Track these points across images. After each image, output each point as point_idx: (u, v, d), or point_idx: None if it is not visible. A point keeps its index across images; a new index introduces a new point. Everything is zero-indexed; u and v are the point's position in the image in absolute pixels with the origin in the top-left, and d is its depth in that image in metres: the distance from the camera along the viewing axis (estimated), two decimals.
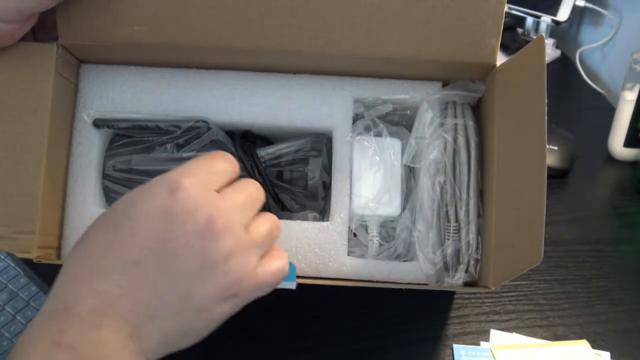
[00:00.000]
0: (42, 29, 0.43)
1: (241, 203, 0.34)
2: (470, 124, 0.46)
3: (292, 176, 0.47)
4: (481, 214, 0.45)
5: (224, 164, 0.35)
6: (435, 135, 0.46)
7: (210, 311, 0.33)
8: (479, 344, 0.50)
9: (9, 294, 1.14)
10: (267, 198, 0.47)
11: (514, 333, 0.51)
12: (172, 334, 0.32)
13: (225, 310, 0.33)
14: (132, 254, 0.31)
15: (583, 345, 0.50)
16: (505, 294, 0.55)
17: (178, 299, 0.31)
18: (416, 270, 0.45)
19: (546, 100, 0.36)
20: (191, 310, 0.32)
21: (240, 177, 0.37)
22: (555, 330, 0.52)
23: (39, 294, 1.15)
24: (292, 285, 0.40)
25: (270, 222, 0.36)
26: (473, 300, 0.54)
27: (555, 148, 0.70)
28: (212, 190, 0.33)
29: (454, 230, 0.44)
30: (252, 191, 0.36)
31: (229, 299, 0.33)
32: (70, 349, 0.28)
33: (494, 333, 0.51)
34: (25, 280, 1.16)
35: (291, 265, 0.41)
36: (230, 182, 0.36)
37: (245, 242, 0.33)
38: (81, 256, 0.32)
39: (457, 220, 0.44)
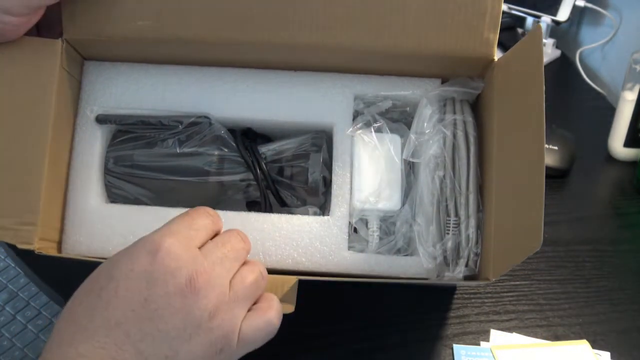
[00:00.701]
0: (46, 25, 0.44)
1: (223, 257, 0.34)
2: (469, 119, 0.46)
3: (292, 172, 0.47)
4: (481, 208, 0.45)
5: (205, 219, 0.36)
6: (434, 131, 0.46)
7: None
8: (479, 344, 0.50)
9: (9, 294, 1.14)
10: (267, 195, 0.47)
11: (514, 333, 0.51)
12: None
13: None
14: (115, 315, 0.31)
15: (583, 345, 0.50)
16: (505, 294, 0.55)
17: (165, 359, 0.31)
18: (416, 265, 0.45)
19: (544, 88, 0.36)
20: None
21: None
22: (555, 330, 0.52)
23: (39, 294, 1.15)
24: (289, 310, 0.40)
25: (256, 272, 0.36)
26: (473, 300, 0.54)
27: (555, 148, 0.70)
28: (193, 248, 0.34)
29: (453, 224, 0.44)
30: (235, 243, 0.36)
31: (215, 357, 0.33)
32: None
33: (494, 333, 0.51)
34: (25, 280, 1.16)
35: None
36: (213, 236, 0.36)
37: (229, 297, 0.33)
38: (67, 319, 0.32)
39: (456, 214, 0.44)
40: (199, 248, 0.34)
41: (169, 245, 0.32)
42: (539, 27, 0.37)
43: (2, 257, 1.26)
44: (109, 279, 0.32)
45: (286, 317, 0.42)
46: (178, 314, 0.32)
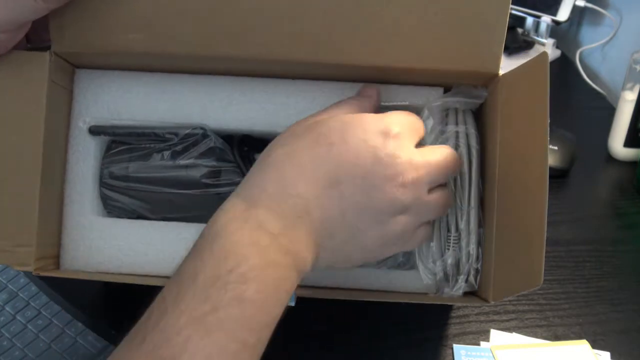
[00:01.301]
0: (34, 31, 0.43)
1: (434, 165, 0.37)
2: (472, 131, 0.45)
3: None
4: (482, 223, 0.44)
5: (420, 122, 0.40)
6: (436, 144, 0.45)
7: (370, 252, 0.37)
8: (479, 344, 0.50)
9: (9, 294, 1.14)
10: None
11: (514, 333, 0.51)
12: (336, 256, 0.36)
13: (379, 256, 0.39)
14: (338, 174, 0.34)
15: (583, 345, 0.50)
16: None
17: (355, 231, 0.35)
18: (416, 279, 0.45)
19: (548, 116, 0.36)
20: (358, 245, 0.36)
21: None
22: (555, 330, 0.52)
23: (39, 294, 1.15)
24: (291, 302, 0.40)
25: (446, 196, 0.40)
26: None
27: (555, 148, 0.70)
28: (412, 145, 0.37)
29: (454, 240, 0.44)
30: (448, 158, 0.39)
31: (385, 248, 0.38)
32: (271, 237, 0.32)
33: (494, 333, 0.51)
34: (25, 280, 1.16)
35: None
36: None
37: (422, 203, 0.37)
38: (291, 158, 0.35)
39: (457, 230, 0.44)
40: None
41: (398, 133, 0.36)
42: (545, 54, 0.36)
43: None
44: (342, 139, 0.35)
45: (286, 317, 0.42)
46: (384, 198, 0.35)
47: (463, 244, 0.44)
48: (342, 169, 0.34)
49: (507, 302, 0.54)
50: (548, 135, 0.35)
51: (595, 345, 0.50)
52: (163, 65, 0.46)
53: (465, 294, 0.44)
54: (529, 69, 0.39)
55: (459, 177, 0.44)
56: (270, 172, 0.35)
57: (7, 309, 0.96)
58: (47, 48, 0.42)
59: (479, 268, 0.44)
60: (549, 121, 0.35)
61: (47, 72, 0.42)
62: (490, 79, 0.44)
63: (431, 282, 0.44)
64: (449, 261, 0.44)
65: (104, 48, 0.42)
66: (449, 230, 0.44)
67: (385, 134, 0.35)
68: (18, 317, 1.05)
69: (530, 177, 0.38)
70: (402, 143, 0.36)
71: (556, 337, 0.51)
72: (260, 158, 0.36)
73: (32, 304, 1.11)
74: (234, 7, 0.40)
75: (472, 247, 0.43)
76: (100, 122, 0.47)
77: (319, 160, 0.34)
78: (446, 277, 0.44)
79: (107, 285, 0.54)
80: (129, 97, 0.47)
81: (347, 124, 0.36)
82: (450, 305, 0.53)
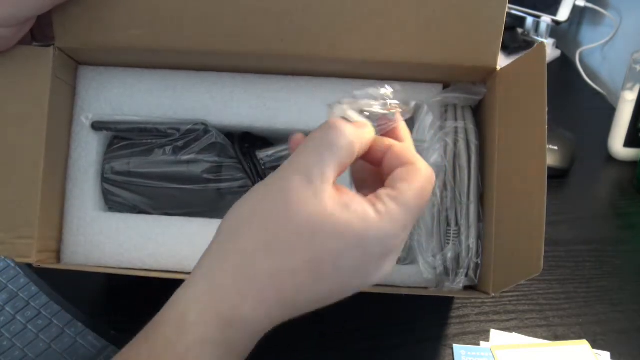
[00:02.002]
0: (39, 27, 0.43)
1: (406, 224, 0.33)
2: (471, 127, 0.45)
3: None
4: (481, 218, 0.44)
5: (432, 178, 0.34)
6: (435, 139, 0.45)
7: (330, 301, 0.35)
8: (479, 344, 0.50)
9: (9, 294, 1.14)
10: None
11: (514, 333, 0.51)
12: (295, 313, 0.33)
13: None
14: (319, 298, 0.33)
15: (583, 345, 0.50)
16: (505, 294, 0.55)
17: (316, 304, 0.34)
18: (416, 274, 0.45)
19: (546, 109, 0.36)
20: (315, 306, 0.34)
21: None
22: (555, 330, 0.52)
23: (39, 294, 1.15)
24: None
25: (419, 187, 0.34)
26: (473, 301, 0.54)
27: (555, 148, 0.70)
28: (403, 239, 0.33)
29: (454, 234, 0.44)
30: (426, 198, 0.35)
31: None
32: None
33: (494, 333, 0.51)
34: (25, 280, 1.16)
35: None
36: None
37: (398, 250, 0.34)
38: (275, 280, 0.31)
39: (457, 224, 0.44)
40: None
41: (398, 246, 0.33)
42: (543, 45, 0.37)
43: (2, 257, 1.25)
44: (334, 269, 0.31)
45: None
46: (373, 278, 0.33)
47: (463, 238, 0.44)
48: (326, 293, 0.32)
49: (507, 302, 0.54)
50: (546, 127, 0.36)
51: (595, 345, 0.50)
52: (165, 61, 0.46)
53: (466, 288, 0.45)
54: (526, 61, 0.40)
55: (458, 172, 0.44)
56: (250, 289, 0.30)
57: (7, 309, 0.96)
58: (52, 45, 0.43)
59: (479, 262, 0.44)
60: (547, 112, 0.35)
61: (50, 67, 0.42)
62: (488, 74, 0.44)
63: (431, 276, 0.45)
64: (449, 255, 0.44)
65: (106, 44, 0.42)
66: (448, 225, 0.44)
67: (385, 255, 0.32)
68: (18, 317, 1.05)
69: (530, 168, 0.38)
70: (399, 250, 0.33)
71: (556, 337, 0.51)
72: (242, 251, 0.31)
73: (32, 304, 1.11)
74: (235, 3, 0.41)
75: (472, 241, 0.44)
76: (102, 117, 0.47)
77: (304, 289, 0.31)
78: (446, 271, 0.45)
79: (108, 285, 0.54)
80: (131, 93, 0.47)
81: (345, 247, 0.31)
82: (450, 305, 0.53)
